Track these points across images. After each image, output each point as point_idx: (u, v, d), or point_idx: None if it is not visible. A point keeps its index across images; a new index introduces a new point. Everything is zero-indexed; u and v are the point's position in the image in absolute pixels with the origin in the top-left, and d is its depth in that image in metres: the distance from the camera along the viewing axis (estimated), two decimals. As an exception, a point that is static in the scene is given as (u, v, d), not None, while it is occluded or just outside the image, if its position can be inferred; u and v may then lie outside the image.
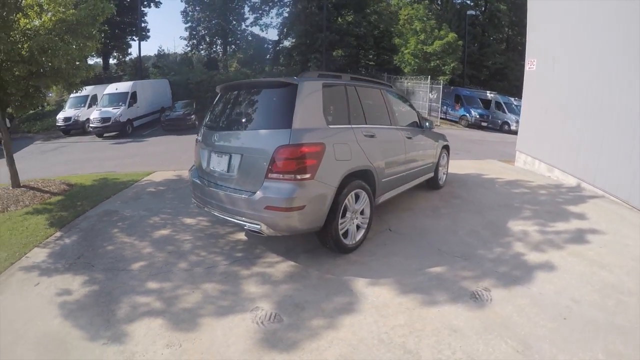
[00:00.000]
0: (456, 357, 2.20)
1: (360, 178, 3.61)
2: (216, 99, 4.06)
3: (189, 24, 28.95)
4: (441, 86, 19.63)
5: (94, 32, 5.68)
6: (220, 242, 4.00)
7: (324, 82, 3.51)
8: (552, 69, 7.02)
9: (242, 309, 2.73)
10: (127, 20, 24.06)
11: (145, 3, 25.67)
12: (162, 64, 27.89)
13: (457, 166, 7.65)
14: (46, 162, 11.01)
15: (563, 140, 6.53)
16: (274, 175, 3.04)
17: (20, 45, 4.85)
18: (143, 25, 25.90)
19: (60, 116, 16.45)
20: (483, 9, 26.90)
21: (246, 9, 29.19)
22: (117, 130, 15.54)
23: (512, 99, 18.96)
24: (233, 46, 30.97)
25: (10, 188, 5.95)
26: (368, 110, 4.08)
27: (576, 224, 4.30)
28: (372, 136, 3.85)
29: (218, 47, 30.71)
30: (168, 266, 3.47)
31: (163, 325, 2.58)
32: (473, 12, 23.50)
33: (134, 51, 27.23)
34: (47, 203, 5.56)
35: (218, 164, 3.53)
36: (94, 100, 17.09)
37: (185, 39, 29.57)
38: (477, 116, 18.93)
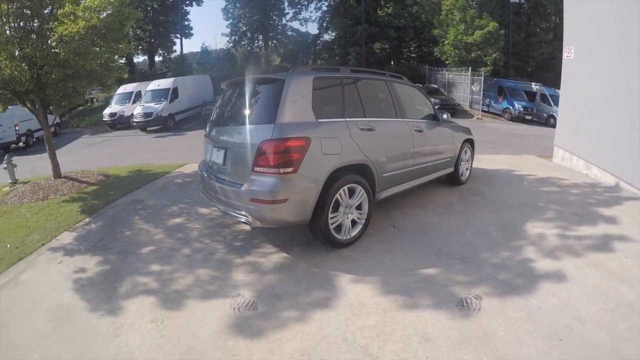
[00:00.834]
0: (417, 369, 2.07)
1: (356, 172, 3.59)
2: (221, 95, 4.28)
3: (230, 20, 29.89)
4: (482, 78, 18.81)
5: (122, 36, 6.16)
6: (225, 232, 4.23)
7: (315, 77, 3.52)
8: (591, 56, 6.46)
9: (224, 294, 2.93)
10: (170, 19, 25.34)
11: (187, 2, 26.86)
12: (205, 60, 29.15)
13: (489, 161, 7.35)
14: (90, 155, 12.06)
15: (602, 134, 6.01)
16: (259, 169, 3.15)
17: (58, 50, 5.42)
18: (186, 23, 27.24)
19: (107, 112, 17.83)
20: (528, -4, 25.28)
21: (285, 3, 29.61)
22: (160, 125, 16.55)
23: (559, 91, 17.73)
24: (274, 41, 31.48)
25: (52, 179, 6.67)
26: (369, 103, 4.02)
27: (604, 228, 3.86)
28: (370, 129, 3.79)
29: (260, 42, 31.37)
30: (172, 251, 3.77)
31: (153, 303, 2.86)
32: (517, 0, 22.15)
33: (178, 48, 28.74)
34: (83, 192, 6.17)
35: (217, 157, 3.75)
36: (138, 97, 18.31)
37: (226, 35, 30.58)
38: (521, 109, 17.90)
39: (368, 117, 3.89)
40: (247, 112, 3.55)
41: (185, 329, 2.52)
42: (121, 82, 22.65)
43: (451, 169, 5.40)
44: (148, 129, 16.61)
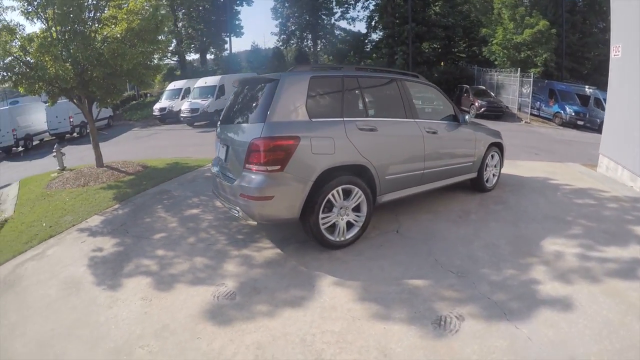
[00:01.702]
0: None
1: (352, 174, 3.56)
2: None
3: (279, 19, 30.63)
4: (531, 79, 17.72)
5: (158, 38, 6.71)
6: (232, 225, 4.46)
7: (312, 76, 3.53)
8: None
9: (211, 282, 3.15)
10: (222, 19, 26.54)
11: (238, 2, 27.96)
12: (254, 58, 30.21)
13: (527, 167, 6.97)
14: (137, 147, 13.05)
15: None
16: (249, 166, 3.27)
17: (101, 51, 6.06)
18: (237, 22, 28.36)
19: (157, 106, 19.21)
20: (582, -7, 23.21)
21: (334, 2, 29.78)
22: (206, 120, 17.45)
23: (613, 95, 16.22)
24: (323, 40, 31.76)
25: (95, 167, 7.42)
26: (373, 103, 3.96)
27: (636, 251, 3.41)
28: (372, 130, 3.70)
29: (309, 41, 31.80)
30: (180, 239, 4.11)
31: (149, 283, 3.19)
32: None
33: (231, 46, 30.00)
34: (120, 181, 6.81)
35: (221, 154, 3.98)
36: (187, 93, 19.47)
37: (275, 34, 31.34)
38: (572, 114, 16.58)
39: (370, 117, 3.81)
40: (246, 110, 3.72)
41: (167, 309, 2.80)
42: (173, 78, 24.26)
43: (473, 175, 5.11)
44: (195, 124, 17.59)
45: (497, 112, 18.09)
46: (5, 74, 6.08)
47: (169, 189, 6.25)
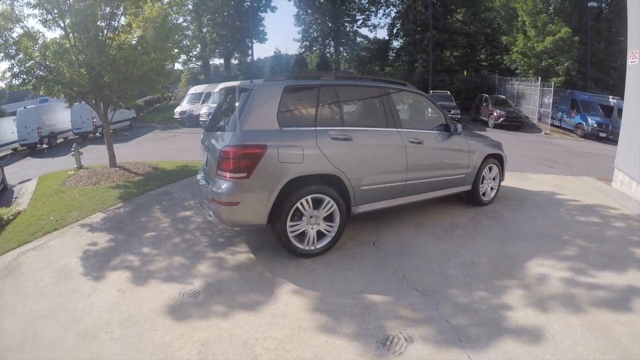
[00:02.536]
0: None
1: (324, 183, 3.59)
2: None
3: (302, 26, 31.22)
4: (552, 89, 17.31)
5: (168, 46, 7.24)
6: (217, 228, 4.55)
7: (286, 86, 3.61)
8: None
9: (181, 280, 3.41)
10: (246, 25, 27.36)
11: (262, 8, 28.78)
12: (275, 65, 30.91)
13: (536, 181, 6.77)
14: (155, 148, 13.75)
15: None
16: (220, 172, 3.43)
17: (115, 58, 6.63)
18: (261, 28, 29.15)
19: (177, 110, 20.15)
20: (609, 0, 22.38)
21: (355, 10, 30.09)
22: (224, 124, 18.17)
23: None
24: (346, 47, 32.08)
25: (108, 167, 8.02)
26: (351, 112, 3.96)
27: (632, 278, 3.14)
28: (346, 139, 3.70)
29: (331, 48, 32.21)
30: (166, 239, 4.46)
31: (128, 277, 3.56)
32: (595, 4, 19.70)
33: (255, 52, 30.92)
34: (129, 181, 7.33)
35: (204, 160, 4.23)
36: (207, 97, 20.23)
37: (298, 41, 31.96)
38: (595, 125, 16.00)
39: (346, 127, 3.81)
40: (224, 119, 3.86)
41: (136, 301, 3.15)
42: (197, 82, 25.19)
43: (467, 187, 4.98)
44: (213, 128, 18.29)
45: (516, 123, 17.77)
46: (25, 77, 6.74)
47: (171, 191, 6.67)
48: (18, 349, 2.63)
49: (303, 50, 32.23)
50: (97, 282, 3.48)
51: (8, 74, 6.59)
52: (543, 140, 15.73)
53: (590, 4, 19.27)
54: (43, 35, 6.90)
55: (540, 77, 17.81)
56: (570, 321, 2.57)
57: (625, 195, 5.93)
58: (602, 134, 15.93)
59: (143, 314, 2.96)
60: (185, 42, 27.34)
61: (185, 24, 27.31)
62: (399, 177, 4.15)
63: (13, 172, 11.65)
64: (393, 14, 28.99)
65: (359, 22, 30.67)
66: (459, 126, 4.80)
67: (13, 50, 6.49)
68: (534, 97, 18.66)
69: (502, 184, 5.60)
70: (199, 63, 28.95)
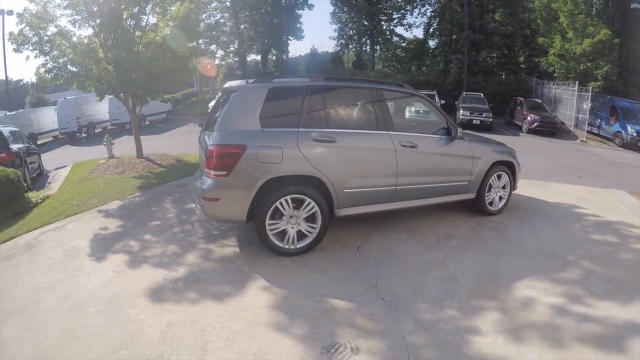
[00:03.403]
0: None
1: (304, 184, 3.68)
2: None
3: (338, 24, 31.30)
4: (590, 94, 16.39)
5: (188, 46, 7.76)
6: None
7: (270, 87, 3.76)
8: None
9: (168, 267, 3.74)
10: (284, 22, 27.86)
11: (299, 5, 29.18)
12: (311, 62, 31.28)
13: (558, 191, 6.38)
14: (185, 141, 14.47)
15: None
16: (206, 170, 3.71)
17: (140, 56, 7.21)
18: (298, 26, 29.62)
19: (211, 104, 20.88)
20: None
21: (391, 9, 29.76)
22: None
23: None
24: (382, 46, 31.81)
25: (135, 158, 8.71)
26: (337, 114, 4.03)
27: (636, 313, 2.77)
28: (329, 141, 3.76)
29: (367, 46, 32.04)
30: (168, 228, 4.91)
31: (125, 260, 4.02)
32: (639, 6, 18.24)
33: (290, 49, 31.39)
34: (151, 172, 7.95)
35: (200, 157, 4.58)
36: (240, 93, 21.02)
37: (334, 38, 32.07)
38: (634, 134, 14.90)
39: (331, 128, 3.85)
40: (215, 118, 4.04)
41: (125, 282, 3.58)
42: (233, 77, 26.05)
43: (471, 195, 4.80)
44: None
45: (551, 129, 16.98)
46: (58, 72, 7.49)
47: (187, 183, 7.05)
48: (20, 313, 3.15)
49: (339, 48, 32.31)
50: (98, 263, 3.98)
51: (42, 70, 7.38)
52: (578, 148, 14.95)
53: (633, 6, 17.91)
54: (75, 34, 7.68)
55: (577, 82, 16.88)
56: (544, 357, 2.27)
57: (658, 213, 5.33)
58: (643, 144, 14.92)
59: (127, 293, 3.38)
60: (222, 38, 28.53)
61: (222, 20, 28.40)
62: (388, 182, 4.13)
63: (51, 159, 12.78)
64: (429, 13, 28.43)
65: (394, 21, 30.30)
66: (459, 130, 4.64)
67: (47, 48, 7.23)
68: (571, 102, 17.76)
69: (519, 193, 5.36)
70: (236, 59, 29.87)
